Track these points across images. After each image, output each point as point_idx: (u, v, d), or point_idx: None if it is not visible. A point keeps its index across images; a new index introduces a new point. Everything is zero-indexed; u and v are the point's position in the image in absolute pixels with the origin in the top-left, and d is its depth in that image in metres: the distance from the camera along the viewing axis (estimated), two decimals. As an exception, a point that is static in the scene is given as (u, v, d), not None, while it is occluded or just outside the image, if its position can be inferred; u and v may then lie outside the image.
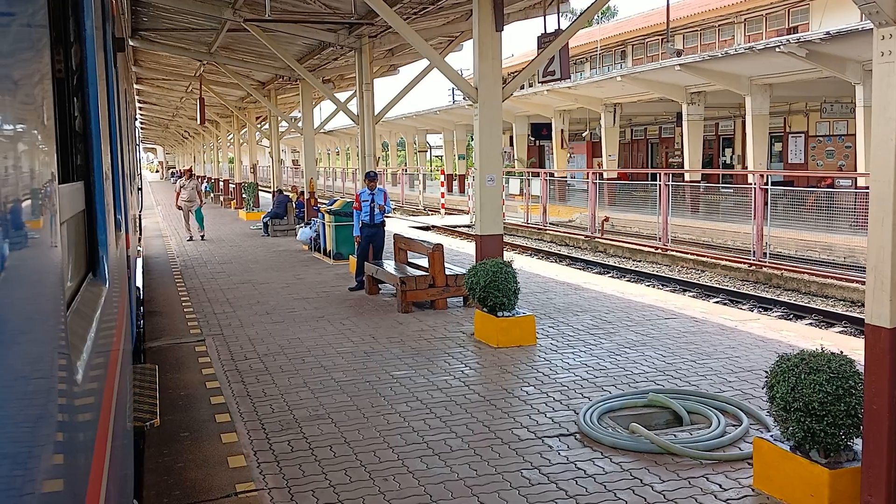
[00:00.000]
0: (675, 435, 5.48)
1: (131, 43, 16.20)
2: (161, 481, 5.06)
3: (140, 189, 18.53)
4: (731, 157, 30.60)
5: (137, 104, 30.79)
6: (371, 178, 12.09)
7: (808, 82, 20.91)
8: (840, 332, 10.32)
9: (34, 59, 1.13)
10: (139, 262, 12.54)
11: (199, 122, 26.27)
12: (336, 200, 16.22)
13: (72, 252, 1.88)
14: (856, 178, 19.47)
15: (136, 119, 24.67)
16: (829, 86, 21.26)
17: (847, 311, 12.48)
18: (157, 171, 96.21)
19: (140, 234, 17.08)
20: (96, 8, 2.84)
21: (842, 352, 4.47)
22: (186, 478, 5.09)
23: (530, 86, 30.43)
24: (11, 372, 0.83)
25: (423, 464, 5.13)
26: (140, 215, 18.57)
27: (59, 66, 2.08)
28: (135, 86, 23.61)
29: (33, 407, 0.95)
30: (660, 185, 19.02)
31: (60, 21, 2.12)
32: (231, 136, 35.74)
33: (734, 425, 5.64)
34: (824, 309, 12.37)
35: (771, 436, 4.65)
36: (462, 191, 37.80)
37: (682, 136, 25.78)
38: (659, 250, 18.70)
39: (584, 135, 35.06)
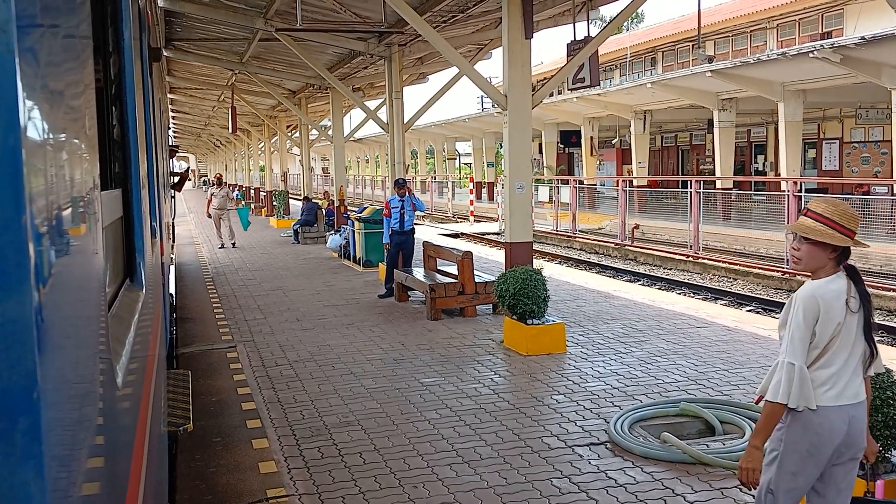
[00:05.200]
0: (707, 445, 5.42)
1: (165, 53, 16.44)
2: (193, 486, 5.11)
3: (173, 197, 18.76)
4: (764, 164, 30.26)
5: (171, 113, 31.21)
6: (400, 185, 12.14)
7: (843, 88, 20.63)
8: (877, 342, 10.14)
9: (78, 68, 1.16)
10: (172, 268, 12.68)
11: (230, 131, 26.57)
12: (366, 208, 16.30)
13: (111, 258, 1.91)
14: (892, 185, 19.16)
15: (169, 128, 25.02)
16: (864, 91, 20.96)
17: (884, 320, 12.26)
18: (189, 180, 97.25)
19: (173, 241, 17.29)
20: (134, 19, 2.89)
21: (879, 361, 4.39)
22: (218, 483, 5.13)
23: (559, 93, 30.32)
24: (58, 376, 0.85)
25: (452, 471, 5.12)
26: (173, 223, 18.80)
27: (99, 76, 2.12)
28: (168, 95, 23.94)
29: (78, 410, 0.97)
30: (691, 192, 18.86)
31: (100, 32, 2.16)
32: (262, 144, 36.12)
33: (768, 435, 5.56)
34: (860, 318, 12.15)
35: (806, 446, 4.57)
36: (491, 198, 37.79)
37: (713, 142, 25.55)
38: (690, 258, 18.54)
39: (613, 142, 34.90)
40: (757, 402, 3.39)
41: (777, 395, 3.07)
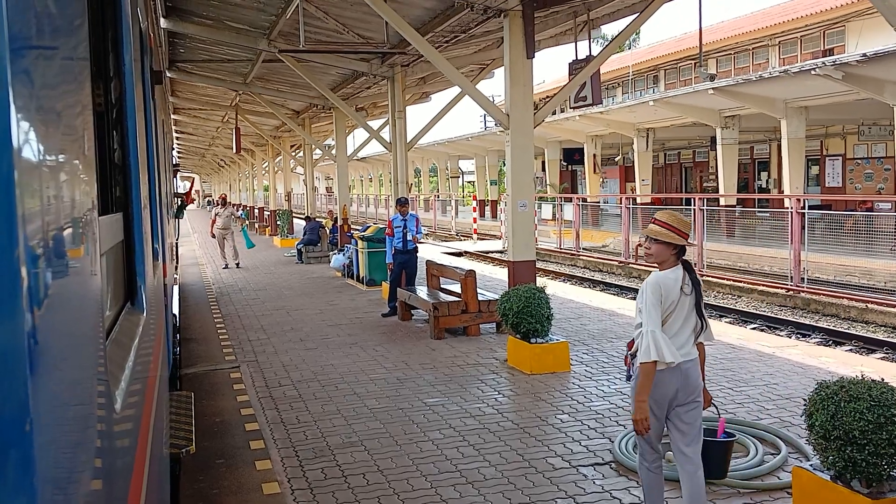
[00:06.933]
0: (712, 464, 5.37)
1: (169, 74, 16.54)
2: (196, 508, 5.08)
3: (177, 217, 18.81)
4: (767, 181, 30.27)
5: (175, 133, 31.36)
6: (403, 203, 12.16)
7: (845, 105, 20.67)
8: (881, 359, 10.09)
9: (76, 92, 1.16)
10: (175, 289, 12.69)
11: (234, 151, 26.68)
12: (369, 227, 16.32)
13: (111, 282, 1.91)
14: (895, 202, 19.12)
15: (173, 149, 25.12)
16: (867, 108, 20.99)
17: (888, 336, 12.21)
18: (193, 201, 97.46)
19: (177, 262, 17.32)
20: (135, 42, 2.91)
21: (883, 379, 4.37)
22: (221, 504, 5.10)
23: (562, 111, 30.46)
24: (53, 403, 0.84)
25: (456, 492, 5.09)
26: (177, 243, 18.84)
27: (100, 100, 2.13)
28: (172, 116, 24.07)
29: (73, 434, 0.96)
30: (694, 209, 18.84)
31: (101, 55, 2.18)
32: (266, 164, 36.25)
33: (772, 454, 5.53)
34: (864, 335, 12.11)
35: (810, 465, 4.55)
36: (494, 216, 37.80)
37: (716, 160, 25.57)
38: (694, 275, 18.46)
39: (616, 159, 34.96)
40: (629, 348, 4.27)
41: (650, 356, 3.92)
